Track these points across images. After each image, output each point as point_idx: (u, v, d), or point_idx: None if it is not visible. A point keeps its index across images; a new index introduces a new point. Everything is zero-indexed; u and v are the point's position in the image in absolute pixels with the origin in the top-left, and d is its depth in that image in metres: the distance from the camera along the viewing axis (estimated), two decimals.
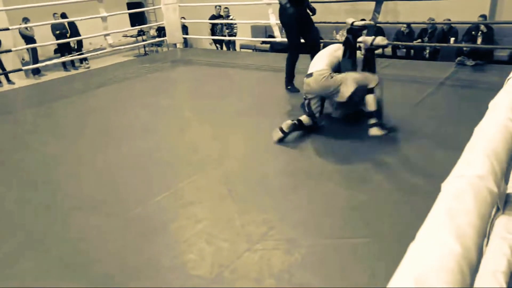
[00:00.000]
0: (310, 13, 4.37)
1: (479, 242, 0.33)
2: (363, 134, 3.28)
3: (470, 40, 6.17)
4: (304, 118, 3.26)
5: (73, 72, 9.12)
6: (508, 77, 0.77)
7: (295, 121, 3.21)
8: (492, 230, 0.80)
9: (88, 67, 9.64)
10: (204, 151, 3.21)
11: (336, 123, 3.50)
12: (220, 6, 8.87)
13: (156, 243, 2.10)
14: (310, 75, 3.18)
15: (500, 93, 0.67)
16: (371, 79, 3.13)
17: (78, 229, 2.28)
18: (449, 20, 7.11)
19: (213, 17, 9.03)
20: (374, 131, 3.09)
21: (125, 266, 1.95)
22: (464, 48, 4.91)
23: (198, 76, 5.81)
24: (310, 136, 3.26)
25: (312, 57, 4.36)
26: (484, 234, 0.34)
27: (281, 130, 3.16)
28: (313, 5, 4.43)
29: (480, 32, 6.25)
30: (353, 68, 3.22)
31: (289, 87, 4.56)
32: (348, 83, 3.07)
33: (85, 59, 9.72)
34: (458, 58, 5.00)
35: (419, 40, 7.51)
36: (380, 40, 3.26)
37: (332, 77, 3.10)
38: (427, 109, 3.72)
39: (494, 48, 6.08)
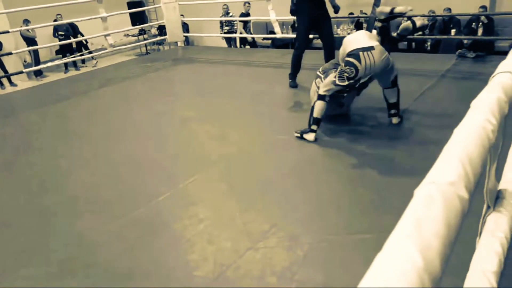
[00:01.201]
0: (334, 10, 4.31)
1: (445, 252, 0.34)
2: (363, 130, 3.29)
3: (470, 32, 6.13)
4: (319, 113, 3.07)
5: (75, 72, 9.15)
6: (493, 74, 0.77)
7: (315, 130, 3.10)
8: (483, 228, 0.81)
9: (96, 64, 9.64)
10: (205, 150, 3.23)
11: (336, 121, 3.49)
12: (249, 3, 8.75)
13: (158, 244, 2.13)
14: (372, 47, 2.92)
15: (483, 92, 0.67)
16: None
17: (79, 230, 2.31)
18: (450, 9, 7.04)
19: (242, 15, 8.99)
20: (396, 120, 3.27)
21: (127, 267, 1.98)
22: (465, 41, 4.87)
23: (199, 74, 5.83)
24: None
25: (326, 54, 4.38)
26: (451, 242, 0.35)
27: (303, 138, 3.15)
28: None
29: (480, 23, 6.20)
30: None
31: (290, 80, 4.57)
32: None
33: (92, 58, 9.72)
34: (459, 51, 4.97)
35: (420, 32, 7.45)
36: (421, 21, 3.14)
37: (389, 56, 3.00)
38: (428, 103, 3.71)
39: (495, 39, 6.03)
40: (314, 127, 3.11)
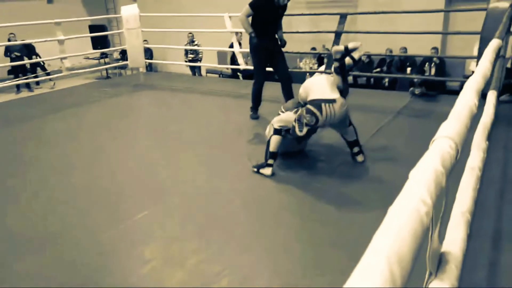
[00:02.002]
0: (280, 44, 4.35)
1: None
2: (319, 166, 3.29)
3: (420, 72, 6.47)
4: (275, 147, 3.07)
5: (28, 94, 8.76)
6: (434, 138, 0.76)
7: (271, 164, 3.08)
8: None
9: (54, 85, 9.20)
10: (160, 181, 3.11)
11: (293, 157, 3.48)
12: (241, 33, 8.62)
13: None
14: (334, 100, 2.95)
15: (421, 161, 0.65)
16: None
17: (13, 274, 2.11)
18: (405, 48, 7.42)
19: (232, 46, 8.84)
20: (361, 158, 3.27)
21: None
22: (415, 80, 5.09)
23: (160, 101, 5.72)
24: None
25: (284, 88, 4.42)
26: None
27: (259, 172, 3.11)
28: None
29: (433, 63, 6.55)
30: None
31: (251, 113, 4.57)
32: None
33: (50, 79, 9.28)
34: (410, 89, 5.18)
35: (378, 69, 7.79)
36: (359, 53, 3.13)
37: (347, 107, 3.06)
38: (384, 139, 3.79)
39: (446, 80, 6.40)
40: (270, 161, 3.11)
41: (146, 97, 6.07)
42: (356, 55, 3.10)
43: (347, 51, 3.07)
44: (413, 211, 0.46)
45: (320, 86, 3.08)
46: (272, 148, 3.08)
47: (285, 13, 4.31)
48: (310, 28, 7.24)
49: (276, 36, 4.34)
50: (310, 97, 3.05)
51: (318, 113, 2.92)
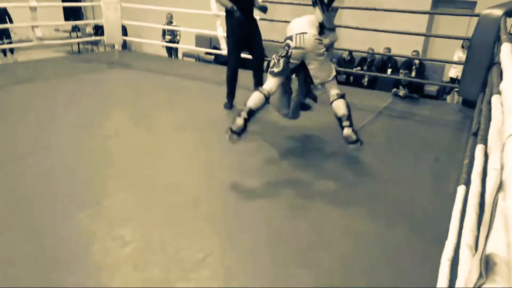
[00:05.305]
0: (262, 12, 4.14)
1: None
2: (307, 158, 3.22)
3: (408, 71, 6.52)
4: (253, 103, 2.88)
5: None
6: (509, 134, 0.67)
7: (244, 117, 2.83)
8: None
9: (14, 58, 8.67)
10: (136, 165, 2.94)
11: (281, 140, 3.41)
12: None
13: (73, 271, 1.82)
14: (304, 32, 2.96)
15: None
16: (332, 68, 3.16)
17: None
18: (389, 48, 7.46)
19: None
20: (347, 130, 3.02)
21: None
22: (402, 81, 5.11)
23: (135, 82, 5.46)
24: (254, 153, 3.11)
25: (255, 72, 4.22)
26: None
27: (233, 131, 2.80)
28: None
29: (414, 66, 6.64)
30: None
31: (226, 101, 4.33)
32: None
33: (11, 53, 8.67)
34: (394, 89, 5.21)
35: (359, 68, 7.83)
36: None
37: (321, 43, 3.02)
38: (367, 136, 3.77)
39: (428, 83, 6.48)
40: (244, 114, 2.83)
41: (121, 76, 5.78)
42: None
43: None
44: None
45: (298, 25, 3.06)
46: (250, 102, 2.88)
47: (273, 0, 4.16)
48: (292, 19, 7.14)
49: (254, 15, 4.14)
50: (288, 34, 3.06)
51: (289, 41, 2.98)
